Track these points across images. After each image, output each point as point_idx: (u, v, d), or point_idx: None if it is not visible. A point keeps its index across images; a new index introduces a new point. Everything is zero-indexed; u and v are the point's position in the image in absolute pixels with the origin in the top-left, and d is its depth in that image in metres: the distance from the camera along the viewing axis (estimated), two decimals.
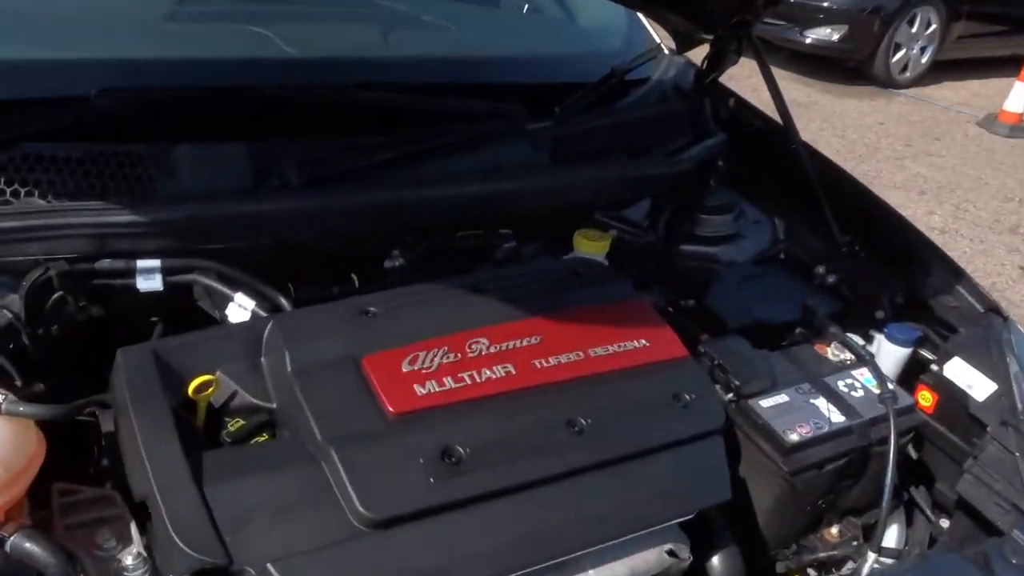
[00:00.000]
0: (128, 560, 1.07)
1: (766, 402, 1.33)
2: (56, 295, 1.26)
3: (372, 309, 1.22)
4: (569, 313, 1.29)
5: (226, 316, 1.32)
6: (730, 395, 1.33)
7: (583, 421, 1.14)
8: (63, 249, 1.25)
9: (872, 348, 1.55)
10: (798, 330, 1.55)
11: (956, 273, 1.61)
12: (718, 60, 1.96)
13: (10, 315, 1.23)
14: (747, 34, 1.85)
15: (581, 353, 1.23)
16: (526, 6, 2.26)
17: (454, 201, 1.54)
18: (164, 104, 1.39)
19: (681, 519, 1.16)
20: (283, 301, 1.33)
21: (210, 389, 1.12)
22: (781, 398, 1.35)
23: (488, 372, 1.16)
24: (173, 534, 0.92)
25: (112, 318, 1.35)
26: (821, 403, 1.35)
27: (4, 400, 1.00)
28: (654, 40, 2.18)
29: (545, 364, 1.20)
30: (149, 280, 1.29)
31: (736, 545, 1.26)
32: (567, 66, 1.94)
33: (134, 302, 1.33)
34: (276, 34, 1.64)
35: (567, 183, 1.66)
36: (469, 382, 1.14)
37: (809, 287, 1.69)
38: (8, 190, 1.26)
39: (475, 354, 1.18)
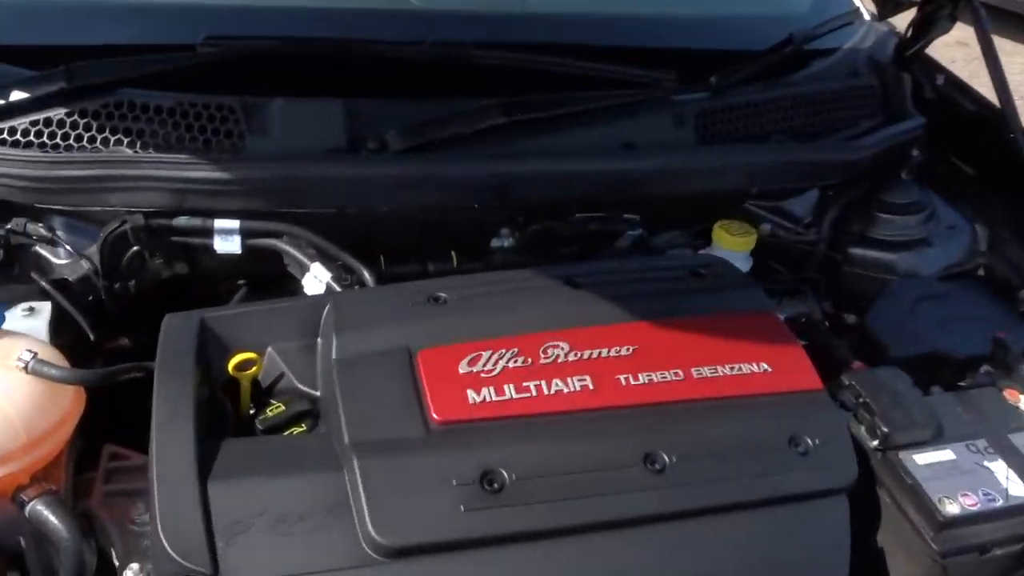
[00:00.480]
0: None
1: (923, 457, 1.05)
2: (133, 250, 1.21)
3: (443, 295, 1.07)
4: (677, 321, 1.08)
5: (302, 287, 1.22)
6: (875, 443, 1.07)
7: (666, 457, 0.93)
8: (144, 202, 1.20)
9: None
10: (984, 368, 1.23)
11: None
12: (926, 27, 1.63)
13: (87, 267, 1.19)
14: None
15: (681, 372, 1.02)
16: None
17: (574, 179, 1.35)
18: (269, 55, 1.30)
19: None
20: (367, 275, 1.21)
21: (254, 368, 1.03)
22: (944, 454, 1.06)
23: (560, 384, 0.98)
24: (160, 532, 0.82)
25: (198, 278, 1.29)
26: (999, 468, 1.05)
27: (32, 359, 0.94)
28: (852, 4, 1.86)
29: (633, 381, 1.00)
30: (227, 241, 1.21)
31: None
32: (735, 30, 1.69)
33: (219, 263, 1.26)
34: None
35: (713, 166, 1.42)
36: (535, 394, 0.97)
37: (1009, 315, 1.35)
38: (99, 137, 1.23)
39: (550, 360, 1.00)
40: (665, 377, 1.01)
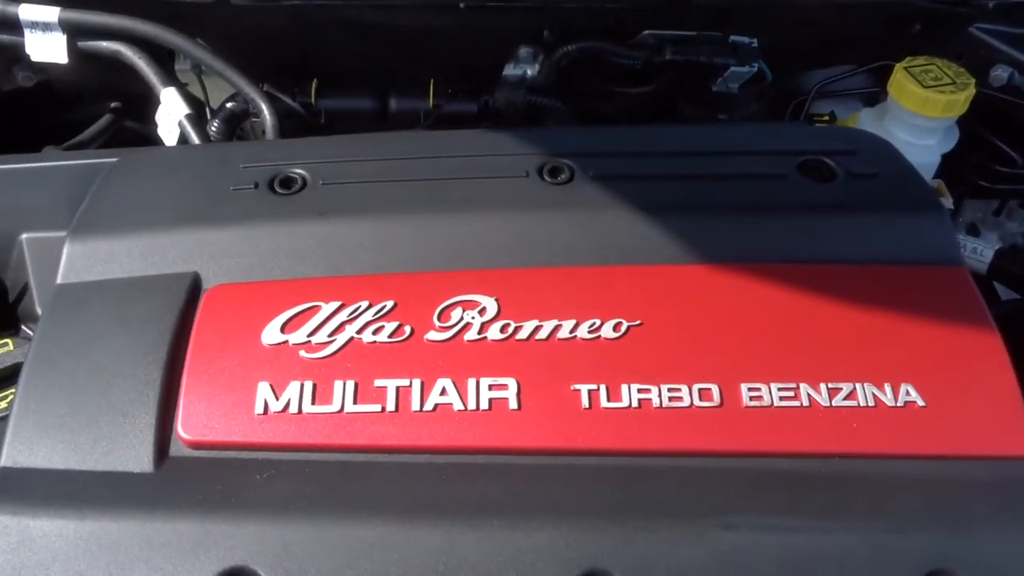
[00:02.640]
0: None
1: None
2: None
3: (301, 175, 0.58)
4: (738, 274, 0.53)
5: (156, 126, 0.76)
6: None
7: None
8: None
9: None
10: None
11: None
12: None
13: None
14: None
15: (718, 392, 0.49)
16: None
17: None
18: None
19: None
20: (266, 111, 0.74)
21: None
22: None
23: (454, 391, 0.48)
24: None
25: (54, 95, 0.87)
26: None
27: None
28: None
29: (608, 403, 0.48)
30: (44, 41, 0.76)
31: None
32: None
33: (73, 72, 0.81)
34: None
35: None
36: (393, 407, 0.48)
37: None
38: None
39: (450, 333, 0.50)
40: (679, 398, 0.48)
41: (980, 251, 0.72)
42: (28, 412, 0.48)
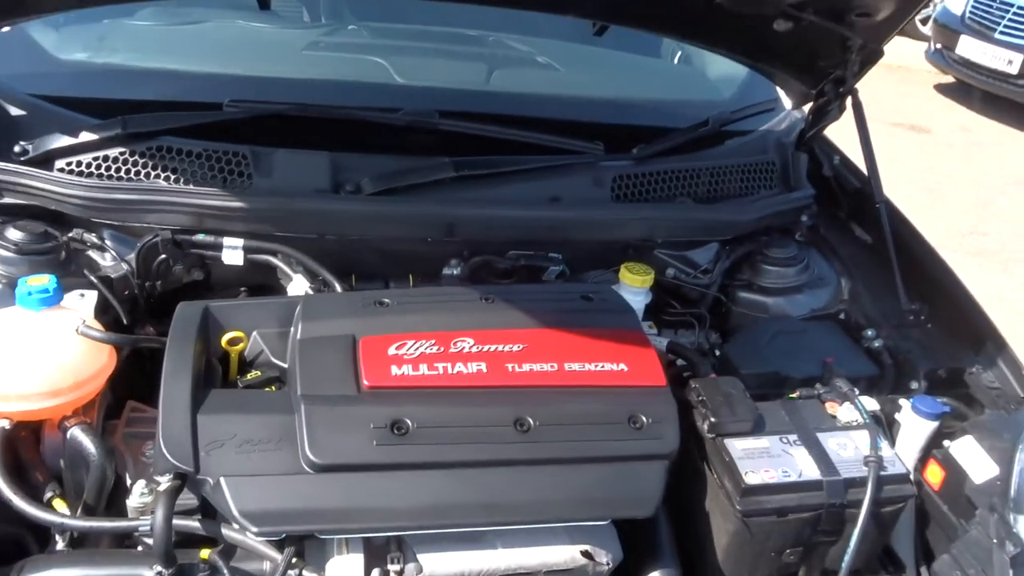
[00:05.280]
0: None
1: (742, 443, 1.38)
2: (161, 258, 1.59)
3: (386, 301, 1.43)
4: (561, 330, 1.43)
5: (287, 293, 1.59)
6: (707, 430, 1.40)
7: (531, 422, 1.27)
8: (172, 222, 1.58)
9: (899, 417, 1.54)
10: (818, 386, 1.56)
11: (1007, 355, 1.54)
12: (819, 115, 1.99)
13: (126, 269, 1.57)
14: (848, 91, 1.87)
15: (555, 365, 1.36)
16: (657, 53, 2.39)
17: (509, 223, 1.72)
18: (277, 116, 1.70)
19: (593, 522, 1.26)
20: (338, 287, 1.58)
21: (241, 344, 1.39)
22: (760, 442, 1.39)
23: (461, 367, 1.33)
24: (162, 443, 1.18)
25: (210, 284, 1.67)
26: (800, 454, 1.37)
27: (82, 324, 1.32)
28: (774, 93, 2.23)
29: (517, 369, 1.34)
30: (233, 255, 1.59)
31: (679, 570, 1.33)
32: (663, 110, 2.06)
33: (226, 272, 1.63)
34: (391, 65, 1.91)
35: (621, 219, 1.78)
36: (441, 372, 1.32)
37: (852, 349, 1.68)
38: (143, 172, 1.62)
39: (457, 350, 1.35)
40: (543, 367, 1.35)
41: (660, 340, 1.66)
42: (307, 375, 1.27)
